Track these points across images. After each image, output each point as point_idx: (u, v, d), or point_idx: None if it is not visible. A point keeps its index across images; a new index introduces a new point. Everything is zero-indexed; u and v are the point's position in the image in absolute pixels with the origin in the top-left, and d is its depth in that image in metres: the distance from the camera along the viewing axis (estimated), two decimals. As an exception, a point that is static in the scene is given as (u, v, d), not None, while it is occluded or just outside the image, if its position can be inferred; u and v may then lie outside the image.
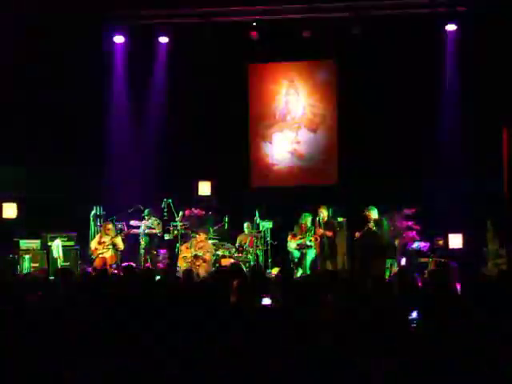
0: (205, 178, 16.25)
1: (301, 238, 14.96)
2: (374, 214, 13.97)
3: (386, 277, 11.30)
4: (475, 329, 3.71)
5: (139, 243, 15.21)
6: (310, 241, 14.82)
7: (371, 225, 13.81)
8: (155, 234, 15.39)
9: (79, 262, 15.16)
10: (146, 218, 15.32)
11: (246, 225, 15.50)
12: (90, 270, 12.09)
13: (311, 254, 14.87)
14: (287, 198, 16.07)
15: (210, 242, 15.00)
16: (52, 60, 15.56)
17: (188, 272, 8.75)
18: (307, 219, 14.99)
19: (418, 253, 14.52)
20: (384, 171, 15.89)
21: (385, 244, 14.07)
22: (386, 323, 4.49)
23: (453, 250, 14.43)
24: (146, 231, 15.24)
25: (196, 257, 14.60)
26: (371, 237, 13.79)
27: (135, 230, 15.28)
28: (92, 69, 15.74)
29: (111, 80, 16.79)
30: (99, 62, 16.16)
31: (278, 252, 15.38)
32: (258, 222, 15.25)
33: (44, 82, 15.55)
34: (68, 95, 15.68)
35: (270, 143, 17.56)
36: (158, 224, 15.35)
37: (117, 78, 16.82)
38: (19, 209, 15.29)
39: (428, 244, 14.57)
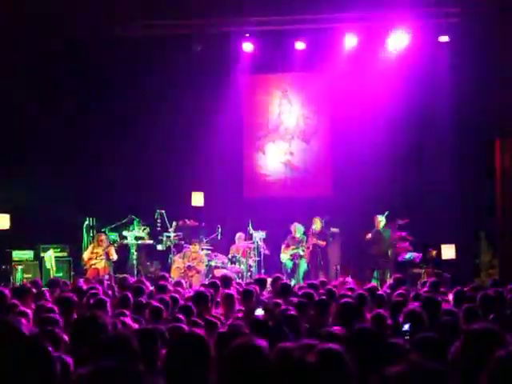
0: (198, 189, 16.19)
1: (294, 249, 14.99)
2: (380, 220, 14.76)
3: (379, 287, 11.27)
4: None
5: (131, 253, 15.17)
6: (303, 251, 14.87)
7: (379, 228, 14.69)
8: (146, 245, 15.37)
9: (72, 272, 15.13)
10: (136, 228, 15.28)
11: (237, 235, 15.49)
12: (82, 281, 12.01)
13: (304, 265, 14.91)
14: (280, 209, 16.01)
15: (203, 252, 14.98)
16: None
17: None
18: (299, 230, 15.04)
19: (411, 264, 14.53)
20: (377, 182, 15.90)
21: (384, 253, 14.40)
22: None
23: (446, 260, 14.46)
24: (139, 242, 15.21)
25: (189, 267, 14.59)
26: (378, 238, 14.66)
27: (128, 241, 15.25)
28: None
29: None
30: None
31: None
32: (250, 232, 15.25)
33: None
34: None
35: (263, 154, 17.50)
36: (145, 230, 15.29)
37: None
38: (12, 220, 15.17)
39: (421, 255, 14.57)
